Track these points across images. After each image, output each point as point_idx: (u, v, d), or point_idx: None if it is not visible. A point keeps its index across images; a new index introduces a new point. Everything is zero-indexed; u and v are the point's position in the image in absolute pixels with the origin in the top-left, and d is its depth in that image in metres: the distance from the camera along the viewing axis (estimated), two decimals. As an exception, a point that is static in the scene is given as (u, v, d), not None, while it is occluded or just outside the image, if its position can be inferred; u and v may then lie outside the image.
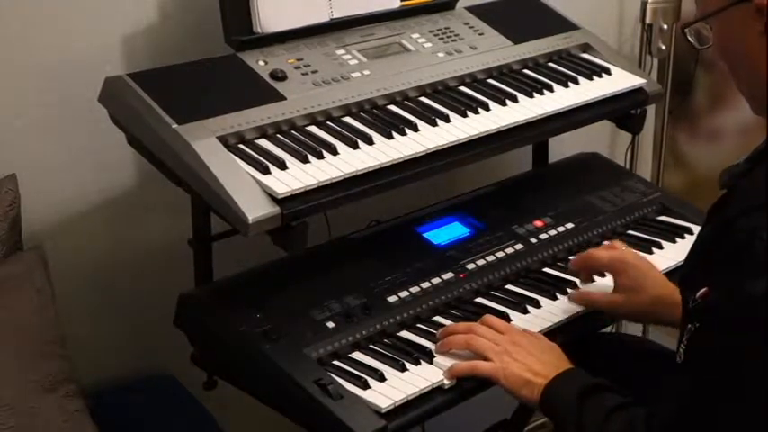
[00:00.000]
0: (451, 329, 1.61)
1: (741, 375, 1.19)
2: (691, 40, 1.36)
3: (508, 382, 1.50)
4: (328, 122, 1.71)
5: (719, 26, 1.31)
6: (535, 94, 1.89)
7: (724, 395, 1.20)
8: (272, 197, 1.52)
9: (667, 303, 1.61)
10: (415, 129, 1.72)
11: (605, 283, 1.75)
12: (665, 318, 1.64)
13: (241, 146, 1.61)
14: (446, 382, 1.53)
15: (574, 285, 1.79)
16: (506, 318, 1.68)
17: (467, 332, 1.58)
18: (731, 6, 1.26)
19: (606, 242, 1.86)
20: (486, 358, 1.53)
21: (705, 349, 1.23)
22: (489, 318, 1.62)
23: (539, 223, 1.95)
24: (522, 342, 1.56)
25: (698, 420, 1.24)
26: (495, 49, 1.98)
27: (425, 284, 1.73)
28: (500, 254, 1.84)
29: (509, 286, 1.79)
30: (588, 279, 1.77)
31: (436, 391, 1.53)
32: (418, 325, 1.67)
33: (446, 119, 1.76)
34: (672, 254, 1.91)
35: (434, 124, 1.74)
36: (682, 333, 1.26)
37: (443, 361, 1.56)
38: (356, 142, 1.65)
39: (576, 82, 1.97)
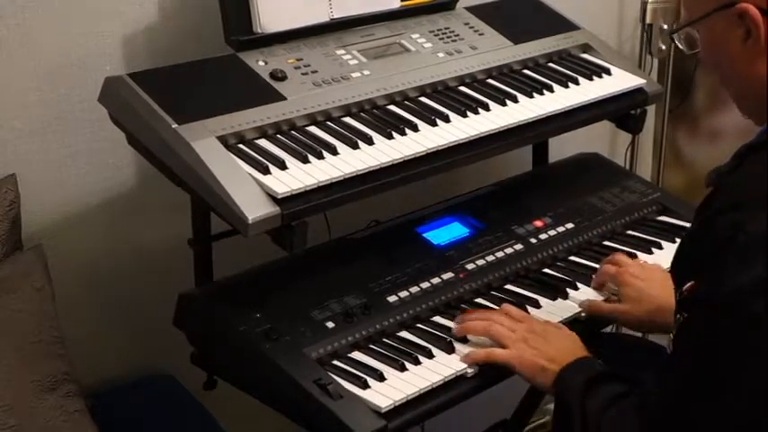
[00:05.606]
0: (470, 315, 1.64)
1: (725, 367, 1.22)
2: (680, 45, 1.38)
3: (523, 369, 1.53)
4: (328, 122, 1.71)
5: (704, 31, 1.34)
6: (535, 95, 1.89)
7: (706, 385, 1.23)
8: (272, 197, 1.52)
9: (668, 312, 1.63)
10: (415, 129, 1.72)
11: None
12: (665, 326, 1.65)
13: (241, 146, 1.61)
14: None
15: (574, 286, 1.79)
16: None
17: (485, 319, 1.61)
18: (714, 12, 1.28)
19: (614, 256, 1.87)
20: (503, 346, 1.56)
21: (689, 341, 1.27)
22: (508, 307, 1.66)
23: (539, 223, 1.95)
24: (539, 330, 1.59)
25: (681, 410, 1.26)
26: (495, 49, 1.98)
27: (425, 284, 1.73)
28: (500, 254, 1.84)
29: (509, 286, 1.79)
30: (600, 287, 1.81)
31: (436, 390, 1.53)
32: (418, 325, 1.67)
33: (446, 119, 1.76)
34: (672, 254, 1.90)
35: (434, 124, 1.74)
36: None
37: (461, 348, 1.59)
38: (356, 142, 1.65)
39: (576, 82, 1.97)
